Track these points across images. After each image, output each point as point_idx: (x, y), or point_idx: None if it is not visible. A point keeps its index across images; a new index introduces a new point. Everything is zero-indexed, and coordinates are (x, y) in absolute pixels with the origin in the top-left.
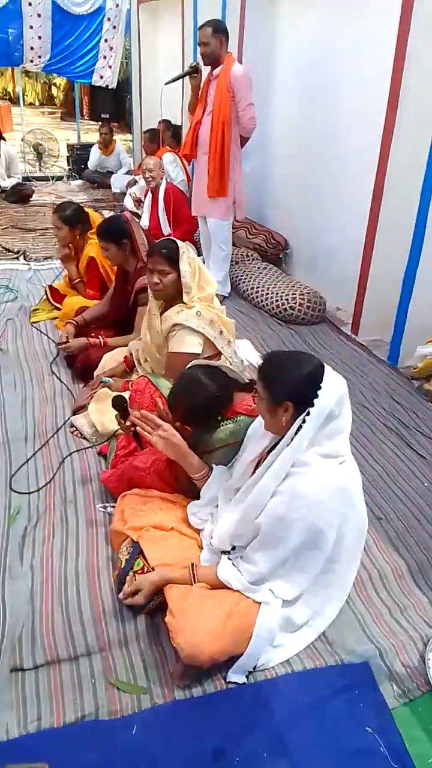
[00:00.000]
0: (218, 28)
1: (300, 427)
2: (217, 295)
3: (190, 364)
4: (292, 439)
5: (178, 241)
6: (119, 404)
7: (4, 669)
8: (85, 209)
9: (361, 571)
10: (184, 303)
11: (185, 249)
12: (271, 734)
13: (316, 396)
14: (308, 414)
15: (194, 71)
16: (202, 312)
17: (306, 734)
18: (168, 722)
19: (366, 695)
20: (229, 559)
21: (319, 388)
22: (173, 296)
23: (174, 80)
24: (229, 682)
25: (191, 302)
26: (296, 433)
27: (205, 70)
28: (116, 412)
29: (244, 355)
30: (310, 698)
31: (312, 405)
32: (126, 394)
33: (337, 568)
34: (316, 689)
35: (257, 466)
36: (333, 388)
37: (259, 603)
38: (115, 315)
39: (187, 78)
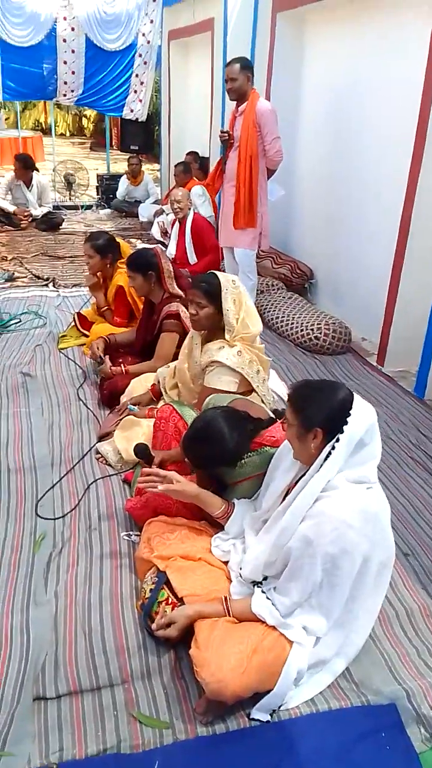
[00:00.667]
0: (245, 65)
1: (329, 453)
2: None
3: (211, 404)
4: (321, 465)
5: (223, 277)
6: (142, 452)
7: (27, 697)
8: (117, 239)
9: (387, 608)
10: (226, 340)
11: (229, 286)
12: None
13: (346, 423)
14: (338, 441)
15: (230, 137)
16: (242, 351)
17: None
18: (190, 758)
19: (393, 738)
20: (262, 591)
21: (349, 415)
22: (213, 328)
23: (224, 153)
24: (253, 719)
25: (233, 341)
26: (325, 460)
27: (231, 105)
28: (141, 459)
29: (271, 386)
30: (336, 740)
31: (341, 432)
32: (146, 426)
33: (363, 595)
34: (342, 730)
35: (285, 495)
36: (363, 416)
37: (288, 640)
38: (141, 344)
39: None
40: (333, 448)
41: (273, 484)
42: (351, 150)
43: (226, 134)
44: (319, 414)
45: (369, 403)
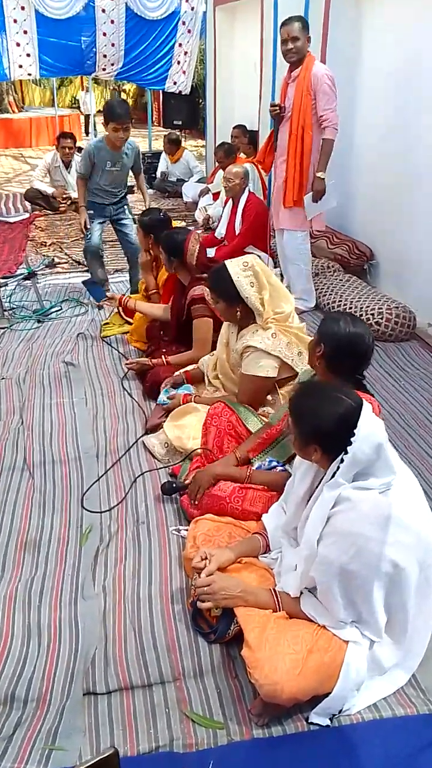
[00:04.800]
0: (306, 25)
1: (337, 468)
2: (297, 309)
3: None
4: (331, 479)
5: (232, 265)
6: (169, 490)
7: (77, 692)
8: (171, 219)
9: None
10: (259, 324)
11: (240, 273)
12: None
13: (349, 442)
14: (342, 461)
15: (281, 110)
16: (278, 333)
17: None
18: (246, 761)
19: None
20: (310, 591)
21: (352, 434)
22: (242, 317)
23: (276, 138)
24: (311, 723)
25: (266, 324)
26: (333, 476)
27: (282, 75)
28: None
29: None
30: (400, 748)
31: (345, 451)
32: (200, 414)
33: (411, 601)
34: (407, 739)
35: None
36: (369, 435)
37: (343, 639)
38: (175, 329)
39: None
40: (338, 468)
41: (294, 489)
42: (417, 118)
43: (277, 107)
44: (315, 430)
45: (378, 419)
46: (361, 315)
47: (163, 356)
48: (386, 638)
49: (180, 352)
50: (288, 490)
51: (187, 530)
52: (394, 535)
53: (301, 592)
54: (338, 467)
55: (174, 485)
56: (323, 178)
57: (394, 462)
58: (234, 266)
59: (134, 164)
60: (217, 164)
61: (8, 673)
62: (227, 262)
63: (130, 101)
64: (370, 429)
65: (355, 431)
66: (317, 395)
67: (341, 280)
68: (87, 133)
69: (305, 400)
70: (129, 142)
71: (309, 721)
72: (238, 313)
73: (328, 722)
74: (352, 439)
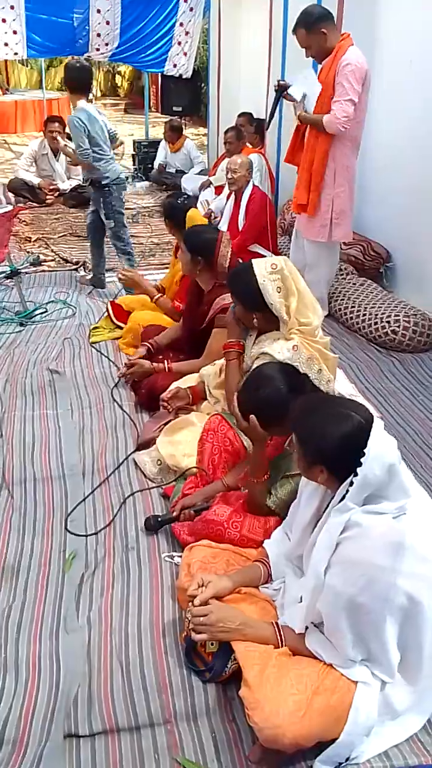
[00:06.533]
0: (312, 21)
1: (347, 491)
2: None
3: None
4: (339, 501)
5: (259, 266)
6: (153, 525)
7: (58, 734)
8: (192, 208)
9: None
10: (282, 333)
11: (266, 276)
12: None
13: (359, 463)
14: (351, 484)
15: (284, 89)
16: (300, 346)
17: None
18: None
19: None
20: (315, 626)
21: (362, 454)
22: (259, 325)
23: (271, 118)
24: None
25: (290, 334)
26: (342, 500)
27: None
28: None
29: (338, 388)
30: None
31: (355, 473)
32: (195, 429)
33: (429, 638)
34: None
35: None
36: (379, 456)
37: (352, 680)
38: (188, 337)
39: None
40: (347, 491)
41: (300, 512)
42: None
43: (284, 82)
44: (320, 451)
45: (390, 437)
46: (376, 323)
47: (166, 361)
48: (399, 679)
49: (179, 361)
50: (292, 514)
51: (181, 557)
52: (409, 564)
53: (307, 627)
54: (347, 490)
55: (159, 520)
56: (298, 116)
57: (408, 484)
58: (260, 267)
59: None
60: (226, 147)
61: None
62: (254, 262)
63: (125, 85)
64: (381, 448)
65: (365, 451)
66: (322, 411)
67: (354, 284)
68: None
69: (309, 416)
70: None
71: None
72: (255, 321)
73: None
74: (362, 460)
